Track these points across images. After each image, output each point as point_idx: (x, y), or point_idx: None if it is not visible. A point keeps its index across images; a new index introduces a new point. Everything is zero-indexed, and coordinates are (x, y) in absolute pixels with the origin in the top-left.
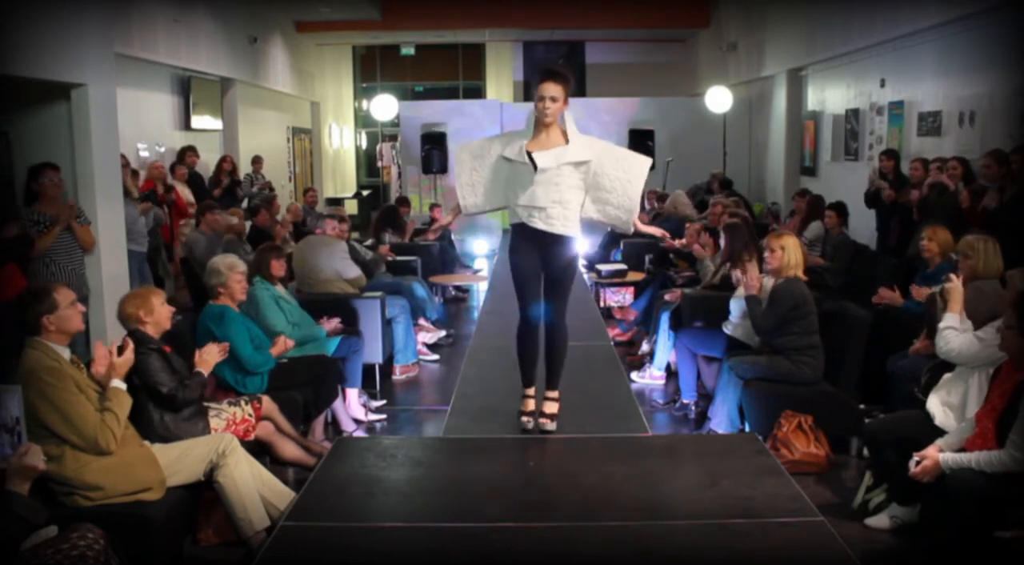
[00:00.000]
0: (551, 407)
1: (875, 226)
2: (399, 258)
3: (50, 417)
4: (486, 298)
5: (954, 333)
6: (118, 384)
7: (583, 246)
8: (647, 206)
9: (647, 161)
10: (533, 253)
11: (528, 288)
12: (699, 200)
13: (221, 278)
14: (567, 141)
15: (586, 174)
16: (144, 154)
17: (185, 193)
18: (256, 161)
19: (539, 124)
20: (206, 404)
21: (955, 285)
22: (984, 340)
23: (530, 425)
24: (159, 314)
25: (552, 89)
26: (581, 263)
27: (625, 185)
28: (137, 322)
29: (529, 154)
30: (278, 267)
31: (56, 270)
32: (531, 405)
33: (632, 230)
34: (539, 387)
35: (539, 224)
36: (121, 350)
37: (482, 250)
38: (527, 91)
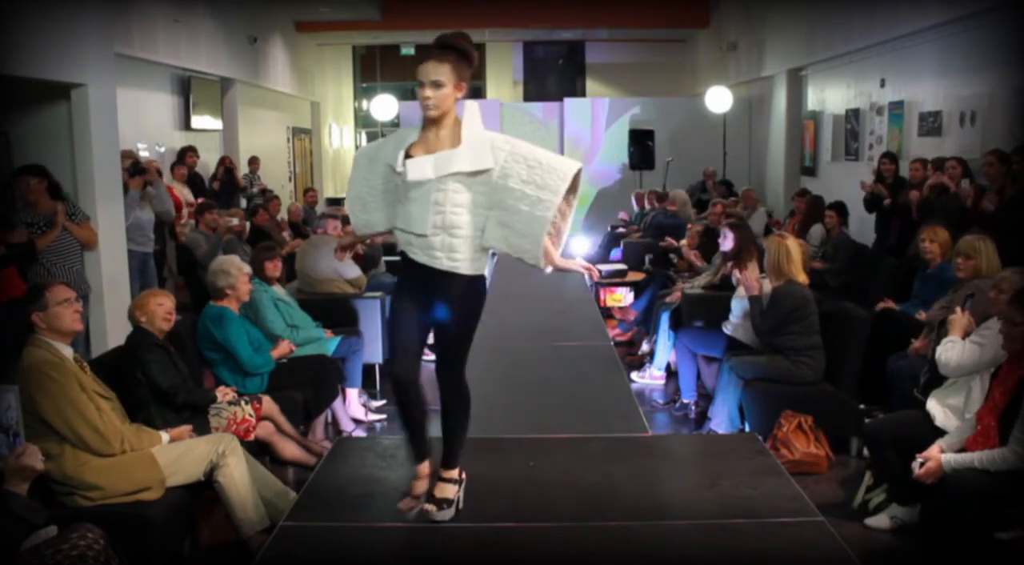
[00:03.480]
0: (444, 490)
1: (873, 227)
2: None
3: (49, 412)
4: (486, 298)
5: (952, 345)
6: (166, 439)
7: (583, 246)
8: (647, 206)
9: (572, 168)
10: (416, 292)
11: (400, 335)
12: (696, 199)
13: (231, 279)
14: (460, 142)
15: (487, 187)
16: (144, 154)
17: (184, 193)
18: (253, 161)
19: (426, 120)
20: None
21: (958, 317)
22: (983, 344)
23: (411, 513)
24: (152, 312)
25: (433, 70)
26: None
27: (534, 204)
28: (136, 321)
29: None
30: (272, 268)
31: (54, 270)
32: (420, 488)
33: (547, 268)
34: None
35: (419, 256)
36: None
37: None
38: (527, 91)
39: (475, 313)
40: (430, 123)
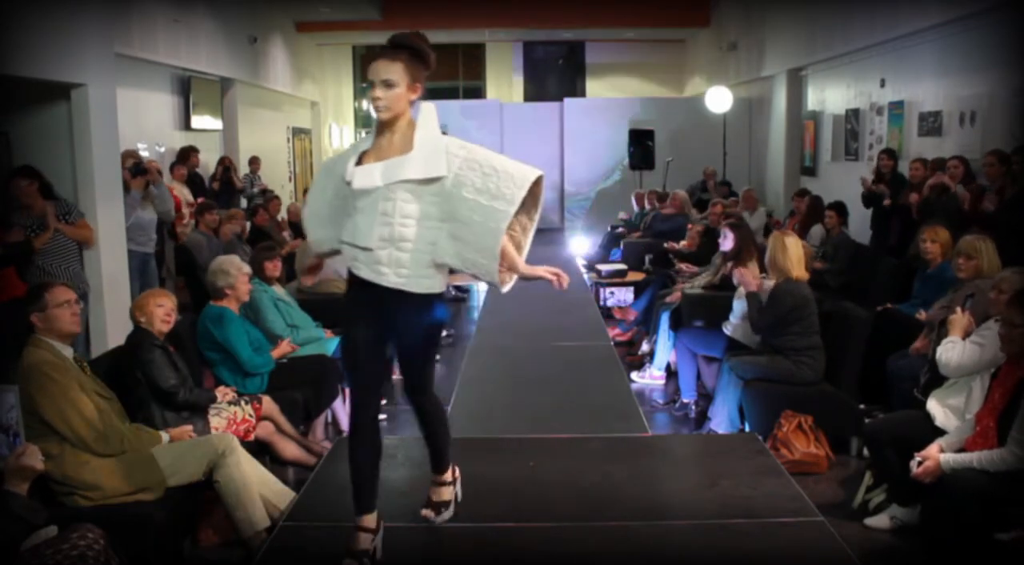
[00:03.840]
0: (441, 493)
1: (870, 225)
2: None
3: (49, 412)
4: (486, 298)
5: (952, 345)
6: (166, 439)
7: (583, 246)
8: (647, 206)
9: (530, 176)
10: (366, 316)
11: (359, 369)
12: (696, 199)
13: (230, 279)
14: (412, 147)
15: (439, 197)
16: (144, 154)
17: (184, 193)
18: (253, 161)
19: (379, 124)
20: None
21: (958, 317)
22: (983, 345)
23: None
24: (152, 313)
25: (384, 69)
26: (580, 263)
27: (487, 215)
28: (136, 321)
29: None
30: (272, 268)
31: (51, 270)
32: (364, 541)
33: (506, 286)
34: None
35: (364, 271)
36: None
37: None
38: (527, 91)
39: (432, 335)
40: (383, 127)
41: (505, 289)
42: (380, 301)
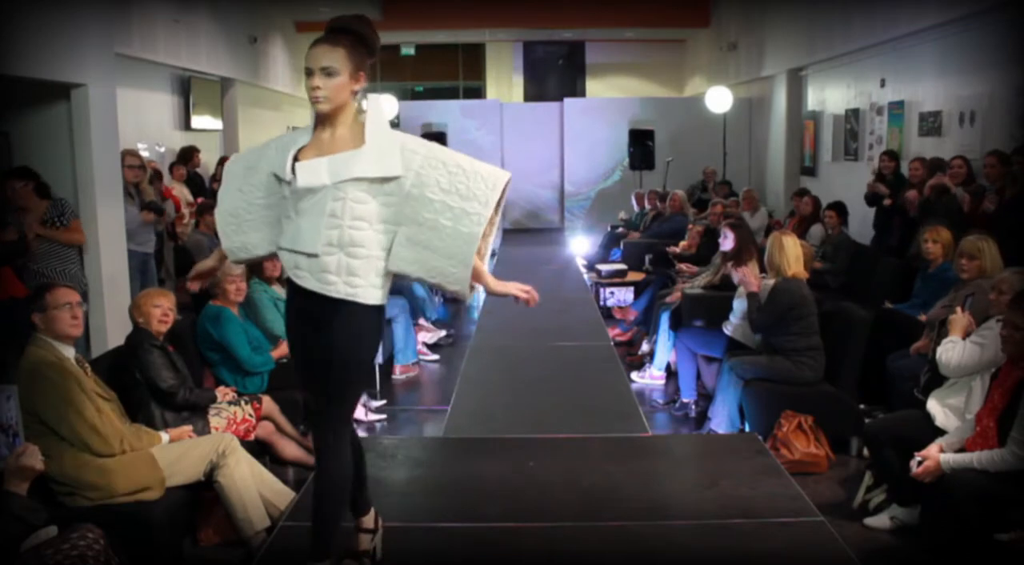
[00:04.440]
0: (360, 541)
1: (872, 224)
2: None
3: (48, 413)
4: (486, 298)
5: (952, 345)
6: (166, 439)
7: (583, 246)
8: (647, 206)
9: (501, 177)
10: (309, 329)
11: (314, 387)
12: (696, 199)
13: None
14: (363, 142)
15: (396, 198)
16: (144, 154)
17: (184, 193)
18: None
19: (318, 118)
20: None
21: (958, 317)
22: (983, 344)
23: None
24: (149, 314)
25: (324, 55)
26: (580, 263)
27: (458, 218)
28: (135, 321)
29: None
30: (272, 267)
31: (48, 271)
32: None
33: (469, 295)
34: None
35: (308, 281)
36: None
37: None
38: (527, 91)
39: (371, 351)
40: (324, 121)
41: (470, 299)
42: (321, 313)
